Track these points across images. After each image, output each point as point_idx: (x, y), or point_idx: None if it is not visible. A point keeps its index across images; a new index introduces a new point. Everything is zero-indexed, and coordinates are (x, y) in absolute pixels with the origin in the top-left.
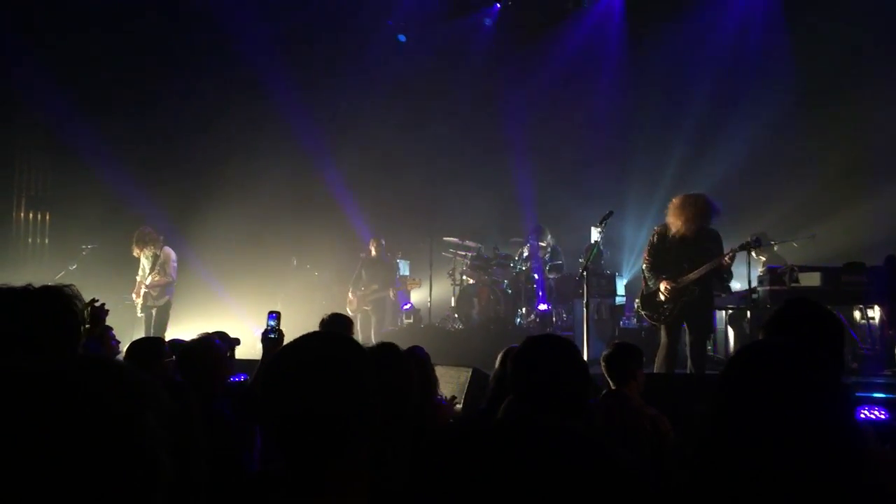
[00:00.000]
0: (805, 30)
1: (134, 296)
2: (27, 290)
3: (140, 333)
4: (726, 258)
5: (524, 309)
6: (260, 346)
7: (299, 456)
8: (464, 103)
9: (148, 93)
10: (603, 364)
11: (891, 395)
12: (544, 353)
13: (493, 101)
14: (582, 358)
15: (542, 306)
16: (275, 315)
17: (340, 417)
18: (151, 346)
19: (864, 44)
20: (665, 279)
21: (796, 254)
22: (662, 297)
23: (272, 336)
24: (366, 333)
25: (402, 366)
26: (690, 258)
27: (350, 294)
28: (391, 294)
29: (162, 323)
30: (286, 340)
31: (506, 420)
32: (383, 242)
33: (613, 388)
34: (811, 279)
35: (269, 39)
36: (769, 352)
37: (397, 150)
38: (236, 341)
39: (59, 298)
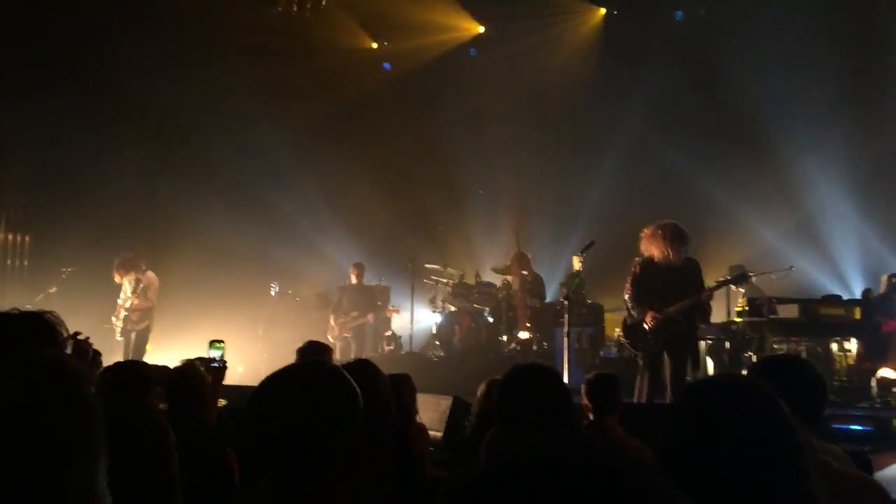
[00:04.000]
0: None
1: (114, 318)
2: (9, 314)
3: (119, 357)
4: (705, 294)
5: (505, 337)
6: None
7: (281, 482)
8: (447, 130)
9: (130, 117)
10: (585, 394)
11: (867, 428)
12: (531, 382)
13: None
14: (567, 387)
15: (523, 335)
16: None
17: (323, 445)
18: (134, 373)
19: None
20: (650, 311)
21: (774, 286)
22: (647, 327)
23: (215, 365)
24: (345, 360)
25: (378, 382)
26: (674, 288)
27: (332, 321)
28: (371, 319)
29: (140, 347)
30: (274, 363)
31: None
32: (363, 268)
33: (594, 418)
34: (789, 311)
35: (250, 61)
36: (711, 391)
37: (380, 176)
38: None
39: (42, 325)
